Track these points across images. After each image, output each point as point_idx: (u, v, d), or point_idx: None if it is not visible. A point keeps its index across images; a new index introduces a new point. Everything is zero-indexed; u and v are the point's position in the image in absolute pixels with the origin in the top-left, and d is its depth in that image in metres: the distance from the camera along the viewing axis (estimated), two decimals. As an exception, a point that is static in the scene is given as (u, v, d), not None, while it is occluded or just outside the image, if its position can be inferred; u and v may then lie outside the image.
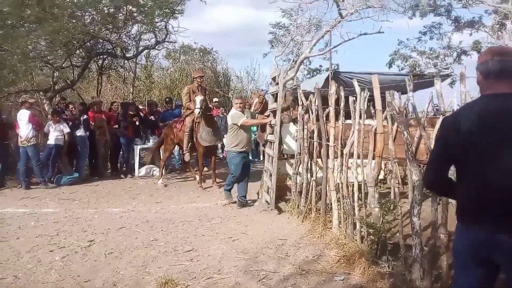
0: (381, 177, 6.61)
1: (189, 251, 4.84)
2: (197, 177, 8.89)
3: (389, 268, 4.08)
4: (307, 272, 4.19)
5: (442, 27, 14.75)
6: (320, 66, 21.72)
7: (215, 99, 13.69)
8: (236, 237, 5.37)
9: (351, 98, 4.65)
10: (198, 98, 8.00)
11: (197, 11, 47.62)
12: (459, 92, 3.32)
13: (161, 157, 9.84)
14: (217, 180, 8.83)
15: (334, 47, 8.11)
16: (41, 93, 10.97)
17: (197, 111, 7.97)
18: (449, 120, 2.18)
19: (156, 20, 10.35)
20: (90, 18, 10.07)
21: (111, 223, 6.03)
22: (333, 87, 5.10)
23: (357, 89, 4.51)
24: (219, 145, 9.95)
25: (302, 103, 6.21)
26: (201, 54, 23.50)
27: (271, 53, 18.38)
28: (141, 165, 10.96)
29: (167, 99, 12.71)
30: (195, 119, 8.34)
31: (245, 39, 43.70)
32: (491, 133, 1.95)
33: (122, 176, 10.31)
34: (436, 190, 2.87)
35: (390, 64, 16.17)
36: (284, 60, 9.60)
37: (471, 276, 2.10)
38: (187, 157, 8.93)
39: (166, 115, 11.24)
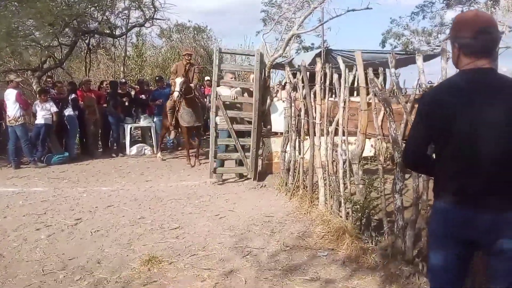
0: (371, 154, 6.64)
1: (175, 228, 4.86)
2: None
3: (372, 244, 4.12)
4: (291, 248, 4.23)
5: (434, 5, 14.61)
6: (313, 44, 21.60)
7: (207, 78, 13.56)
8: (223, 214, 5.40)
9: (335, 75, 4.61)
10: (178, 80, 7.89)
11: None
12: (440, 67, 3.28)
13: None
14: (200, 158, 8.87)
15: (322, 24, 7.99)
16: (29, 72, 10.82)
17: (175, 94, 7.91)
18: (429, 95, 2.11)
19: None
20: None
21: (99, 202, 6.03)
22: (318, 64, 5.05)
23: (342, 66, 4.47)
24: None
25: (290, 81, 6.16)
26: (195, 32, 23.31)
27: (263, 31, 18.29)
28: (132, 143, 10.95)
29: (157, 78, 12.58)
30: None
31: (243, 18, 43.24)
32: (472, 109, 1.89)
33: (113, 155, 10.27)
34: (415, 168, 2.84)
35: (383, 43, 16.07)
36: (276, 39, 9.48)
37: (448, 256, 2.05)
38: (172, 135, 9.08)
39: (157, 94, 11.13)
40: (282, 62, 11.11)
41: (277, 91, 11.24)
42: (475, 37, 1.92)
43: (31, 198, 6.24)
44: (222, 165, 7.44)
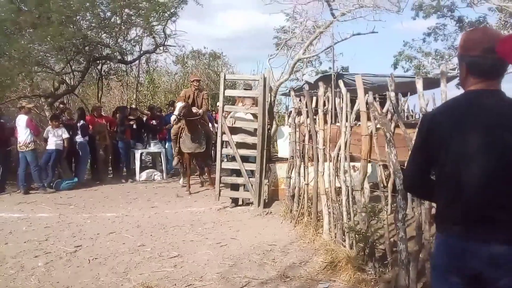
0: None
1: (174, 257, 4.76)
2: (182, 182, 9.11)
3: (375, 275, 3.95)
4: (290, 279, 4.08)
5: (446, 28, 14.53)
6: (330, 68, 21.62)
7: (218, 103, 13.62)
8: (224, 242, 5.28)
9: (337, 100, 4.53)
10: (179, 104, 7.88)
11: (209, 17, 47.86)
12: (438, 91, 3.18)
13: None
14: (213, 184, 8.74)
15: (327, 48, 7.98)
16: (42, 98, 11.02)
17: (173, 117, 7.89)
18: (428, 117, 1.99)
19: (154, 23, 10.34)
20: (86, 23, 10.10)
21: (102, 228, 5.97)
22: (321, 89, 4.98)
23: (343, 90, 4.39)
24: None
25: (294, 106, 6.11)
26: (210, 58, 23.64)
27: (277, 57, 18.43)
28: (143, 169, 10.96)
29: (170, 102, 12.68)
30: (181, 124, 8.26)
31: (255, 44, 43.85)
32: (469, 133, 1.77)
33: (123, 180, 10.28)
34: (416, 194, 2.70)
35: (394, 65, 15.98)
36: (283, 63, 9.51)
37: None
38: (174, 161, 8.96)
39: (168, 118, 11.20)
40: (297, 87, 11.14)
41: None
42: (484, 56, 1.79)
43: (35, 224, 6.22)
44: (236, 189, 7.37)
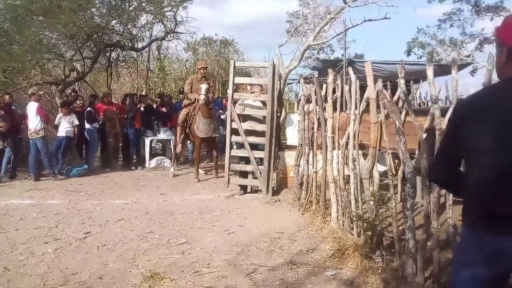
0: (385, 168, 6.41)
1: (182, 244, 4.78)
2: (200, 171, 8.96)
3: (383, 263, 3.93)
4: (298, 267, 4.07)
5: (462, 13, 14.23)
6: (342, 55, 21.41)
7: (229, 90, 13.59)
8: (232, 230, 5.29)
9: (346, 87, 4.47)
10: (204, 86, 7.87)
11: (222, 3, 47.54)
12: (450, 78, 3.11)
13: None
14: (219, 172, 8.74)
15: (338, 35, 7.88)
16: (53, 85, 11.07)
17: (202, 97, 7.80)
18: (461, 105, 1.88)
19: (165, 9, 10.28)
20: (97, 10, 10.08)
21: (111, 215, 6.02)
22: (330, 76, 4.91)
23: (353, 77, 4.32)
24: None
25: (303, 93, 6.05)
26: (221, 45, 23.54)
27: (288, 43, 18.27)
28: (153, 156, 11.00)
29: (180, 89, 12.66)
30: (190, 111, 8.25)
31: (269, 31, 43.57)
32: (503, 125, 1.67)
33: (133, 167, 10.34)
34: (440, 185, 2.56)
35: (408, 52, 15.72)
36: (293, 50, 9.41)
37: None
38: (178, 149, 8.94)
39: (178, 106, 11.23)
40: (309, 75, 11.06)
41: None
42: None
43: (45, 211, 6.29)
44: (245, 176, 7.37)
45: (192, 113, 8.21)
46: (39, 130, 8.66)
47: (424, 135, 3.31)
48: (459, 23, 15.36)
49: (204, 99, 7.82)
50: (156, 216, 5.95)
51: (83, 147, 10.12)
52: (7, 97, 9.06)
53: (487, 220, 1.74)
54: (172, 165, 9.56)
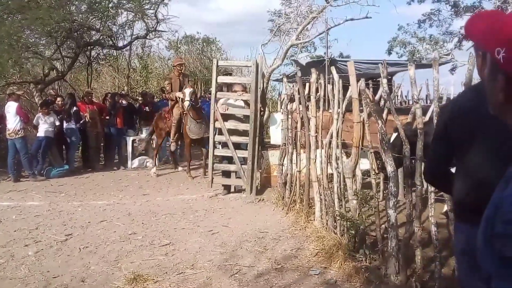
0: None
1: (165, 245, 4.74)
2: (179, 168, 9.09)
3: (366, 262, 3.96)
4: (282, 267, 4.08)
5: (441, 13, 14.45)
6: (325, 53, 21.51)
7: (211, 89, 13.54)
8: (216, 230, 5.27)
9: (329, 86, 4.49)
10: (188, 91, 7.82)
11: (203, 1, 47.28)
12: (432, 77, 3.14)
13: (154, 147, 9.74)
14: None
15: (319, 34, 7.91)
16: (32, 84, 10.86)
17: (186, 103, 7.78)
18: (452, 102, 1.91)
19: (146, 7, 10.17)
20: (76, 7, 9.92)
21: (93, 216, 5.94)
22: (313, 75, 4.93)
23: (335, 76, 4.34)
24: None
25: (286, 93, 6.06)
26: (203, 44, 23.39)
27: (271, 42, 18.25)
28: (134, 156, 10.88)
29: (162, 89, 12.53)
30: (183, 110, 8.21)
31: (252, 29, 43.50)
32: (484, 124, 1.65)
33: (115, 168, 10.21)
34: (433, 184, 2.59)
35: (389, 51, 15.89)
36: (276, 49, 9.41)
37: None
38: (173, 147, 8.92)
39: (160, 105, 11.14)
40: (291, 74, 11.06)
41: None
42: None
43: (25, 213, 6.17)
44: (228, 176, 7.35)
45: (184, 113, 8.16)
46: (18, 130, 8.49)
47: (395, 134, 3.35)
48: (438, 22, 15.59)
49: (189, 106, 7.78)
50: (139, 217, 5.89)
51: (63, 147, 9.94)
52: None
53: (462, 212, 1.80)
54: (153, 166, 9.43)
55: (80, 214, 6.12)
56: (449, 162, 1.92)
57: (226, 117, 7.11)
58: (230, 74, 7.91)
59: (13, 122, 8.48)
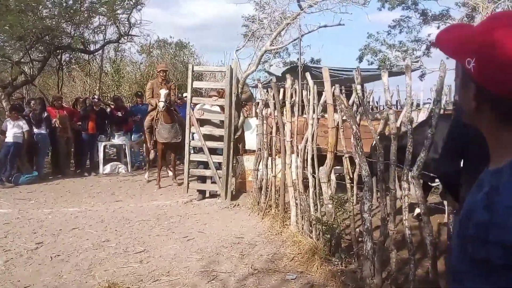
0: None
1: (140, 252, 4.67)
2: (170, 172, 8.92)
3: (342, 266, 4.01)
4: (259, 272, 4.08)
5: (410, 21, 14.85)
6: (298, 59, 21.73)
7: (185, 94, 13.44)
8: (192, 236, 5.23)
9: (304, 92, 4.54)
10: (163, 92, 7.72)
11: (174, 5, 47.02)
12: (404, 84, 3.23)
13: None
14: (177, 178, 8.61)
15: (293, 40, 7.98)
16: (-1, 88, 10.56)
17: (161, 104, 7.67)
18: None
19: (118, 12, 10.04)
20: (47, 11, 9.71)
21: (64, 224, 5.79)
22: (288, 81, 4.99)
23: (310, 82, 4.40)
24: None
25: (261, 98, 6.09)
26: (177, 48, 23.25)
27: (245, 47, 18.29)
28: (107, 162, 10.69)
29: (138, 93, 12.34)
30: (154, 116, 8.11)
31: (225, 33, 43.52)
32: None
33: (86, 174, 10.00)
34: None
35: (360, 58, 16.20)
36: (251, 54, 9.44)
37: None
38: (151, 155, 8.73)
39: (135, 110, 11.00)
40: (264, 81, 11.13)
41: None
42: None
43: (-8, 221, 5.97)
44: (203, 181, 7.30)
45: (156, 118, 8.06)
46: (-15, 136, 8.22)
47: (377, 138, 3.41)
48: (407, 29, 15.99)
49: (164, 106, 7.68)
50: (112, 224, 5.79)
51: (32, 153, 9.66)
52: None
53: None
54: (146, 171, 9.33)
55: (51, 221, 5.96)
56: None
57: (202, 122, 7.09)
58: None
59: (-21, 127, 8.20)
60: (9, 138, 8.66)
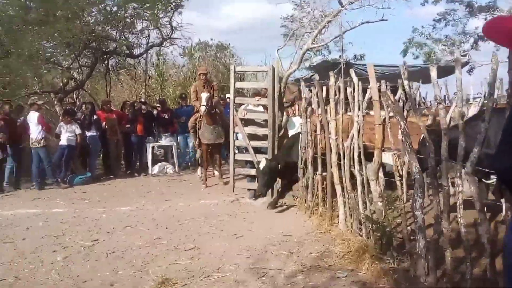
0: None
1: (190, 249, 4.79)
2: (216, 172, 9.07)
3: (394, 264, 3.94)
4: (309, 269, 4.08)
5: (456, 14, 14.33)
6: (340, 56, 21.46)
7: (227, 95, 13.60)
8: (240, 234, 5.30)
9: (349, 89, 4.50)
10: (204, 95, 7.88)
11: (214, 8, 47.63)
12: (450, 78, 3.14)
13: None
14: (223, 177, 8.71)
15: (335, 38, 7.92)
16: (52, 94, 11.07)
17: (202, 108, 7.85)
18: None
19: (160, 15, 10.31)
20: (93, 18, 10.12)
21: (118, 222, 6.02)
22: (332, 78, 4.95)
23: (355, 79, 4.35)
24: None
25: (305, 96, 6.08)
26: (217, 50, 23.52)
27: (287, 46, 18.26)
28: (155, 162, 10.99)
29: (182, 95, 12.59)
30: (198, 117, 8.28)
31: (262, 35, 43.71)
32: None
33: (136, 174, 10.34)
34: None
35: (404, 52, 15.79)
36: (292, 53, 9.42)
37: None
38: (198, 154, 8.97)
39: (180, 112, 11.24)
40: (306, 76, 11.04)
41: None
42: None
43: (51, 220, 6.28)
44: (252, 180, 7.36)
45: (199, 119, 8.23)
46: (41, 140, 8.66)
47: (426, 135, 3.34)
48: (453, 22, 15.45)
49: (205, 110, 7.83)
50: (163, 222, 5.96)
51: (85, 155, 10.09)
52: (6, 107, 9.08)
53: None
54: (198, 169, 9.53)
55: (105, 220, 6.21)
56: None
57: (246, 122, 7.17)
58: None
59: (35, 131, 8.65)
60: (63, 141, 9.09)
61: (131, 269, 4.24)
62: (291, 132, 7.39)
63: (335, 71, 9.48)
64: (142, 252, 4.73)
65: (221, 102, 10.35)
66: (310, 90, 6.04)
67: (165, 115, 11.38)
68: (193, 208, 6.76)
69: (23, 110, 9.77)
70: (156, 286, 3.77)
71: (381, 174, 4.89)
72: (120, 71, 14.22)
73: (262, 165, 6.29)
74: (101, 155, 10.72)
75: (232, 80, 7.15)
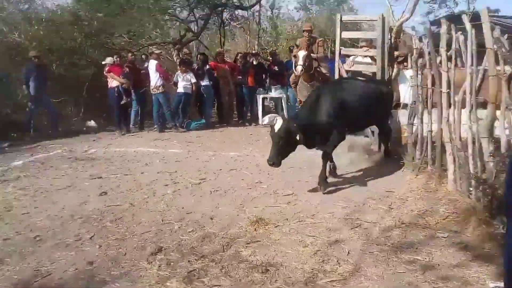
0: None
1: (288, 195, 4.91)
2: None
3: (503, 230, 3.59)
4: (407, 226, 3.94)
5: None
6: (468, 9, 19.34)
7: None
8: (340, 185, 5.27)
9: (461, 37, 4.02)
10: (301, 54, 7.61)
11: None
12: None
13: None
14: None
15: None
16: (170, 45, 11.74)
17: (299, 68, 7.59)
18: None
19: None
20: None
21: (224, 165, 6.36)
22: (443, 26, 4.47)
23: (467, 25, 3.87)
24: None
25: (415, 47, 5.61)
26: (335, 3, 22.64)
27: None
28: (265, 113, 11.21)
29: (291, 48, 12.51)
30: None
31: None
32: None
33: (247, 124, 10.70)
34: None
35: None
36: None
37: None
38: None
39: (290, 64, 11.20)
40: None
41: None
42: None
43: (167, 158, 6.87)
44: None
45: (299, 75, 8.12)
46: (159, 86, 9.35)
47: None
48: None
49: (302, 70, 7.64)
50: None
51: (200, 102, 10.67)
52: (130, 55, 9.91)
53: None
54: None
55: (213, 162, 6.61)
56: None
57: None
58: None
59: (154, 78, 9.36)
60: (180, 89, 9.72)
61: (230, 207, 4.51)
62: (402, 87, 6.96)
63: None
64: (243, 193, 4.98)
65: (328, 57, 10.04)
66: (421, 40, 5.56)
67: (276, 68, 11.44)
68: (297, 157, 6.75)
69: (147, 59, 10.56)
70: (251, 224, 3.96)
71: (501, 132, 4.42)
72: (233, 23, 14.49)
73: (277, 126, 5.04)
74: (215, 105, 11.25)
75: (338, 30, 6.87)
